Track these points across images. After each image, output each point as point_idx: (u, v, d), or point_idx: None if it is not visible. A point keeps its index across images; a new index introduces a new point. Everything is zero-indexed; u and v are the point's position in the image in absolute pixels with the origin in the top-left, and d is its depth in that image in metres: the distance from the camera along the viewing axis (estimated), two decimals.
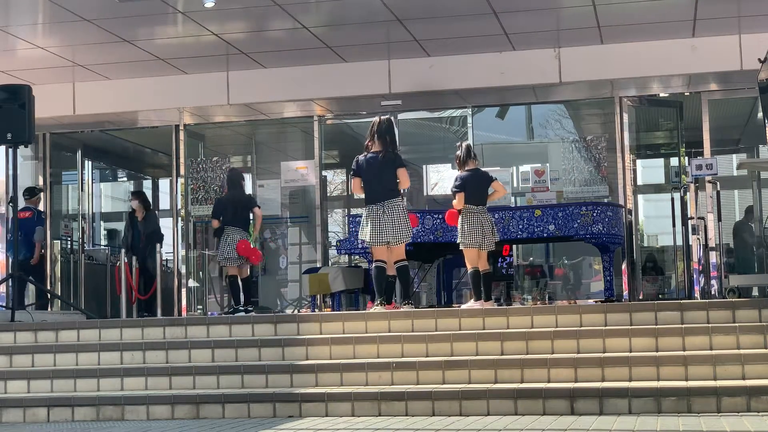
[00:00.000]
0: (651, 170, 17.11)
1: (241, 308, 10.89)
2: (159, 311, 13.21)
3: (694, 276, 12.49)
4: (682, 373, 7.03)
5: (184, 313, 13.55)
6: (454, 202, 9.62)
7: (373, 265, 9.25)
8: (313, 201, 14.04)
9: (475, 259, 9.62)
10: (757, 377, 6.89)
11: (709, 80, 12.62)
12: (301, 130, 14.58)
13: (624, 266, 12.54)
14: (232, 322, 8.59)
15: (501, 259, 12.57)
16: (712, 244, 12.21)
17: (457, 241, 9.67)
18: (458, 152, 9.87)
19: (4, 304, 12.17)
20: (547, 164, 13.66)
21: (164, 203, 17.15)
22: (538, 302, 12.85)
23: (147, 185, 18.43)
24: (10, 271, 10.61)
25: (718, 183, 11.88)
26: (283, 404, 7.10)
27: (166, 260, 14.53)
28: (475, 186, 9.65)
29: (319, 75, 12.92)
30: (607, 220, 10.89)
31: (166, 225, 15.10)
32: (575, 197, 12.88)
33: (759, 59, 9.19)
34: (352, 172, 9.36)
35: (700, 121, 12.88)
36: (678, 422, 6.06)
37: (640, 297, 12.75)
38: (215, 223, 11.38)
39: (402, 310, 8.89)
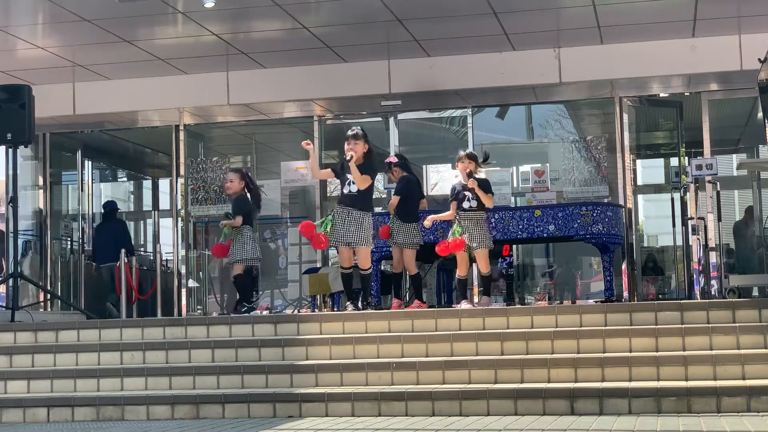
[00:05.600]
0: (651, 170, 17.11)
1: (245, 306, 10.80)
2: (159, 311, 13.22)
3: (694, 276, 12.49)
4: (682, 373, 7.03)
5: (184, 313, 13.55)
6: (491, 203, 9.60)
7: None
8: (313, 201, 14.04)
9: None
10: (757, 377, 6.89)
11: (709, 80, 12.62)
12: (301, 130, 14.57)
13: (624, 266, 12.53)
14: (232, 322, 8.60)
15: (501, 259, 12.56)
16: (712, 244, 12.22)
17: (492, 243, 9.73)
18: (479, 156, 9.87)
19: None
20: (547, 164, 13.65)
21: (164, 203, 17.15)
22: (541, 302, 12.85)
23: (147, 185, 18.44)
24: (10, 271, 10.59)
25: (718, 183, 11.88)
26: (283, 404, 7.10)
27: (166, 260, 14.54)
28: None
29: (319, 75, 12.91)
30: (607, 220, 10.88)
31: (166, 225, 15.11)
32: (575, 197, 12.88)
33: (759, 59, 9.20)
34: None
35: (700, 121, 12.88)
36: (678, 422, 6.06)
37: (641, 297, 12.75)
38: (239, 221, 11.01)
39: (404, 310, 8.91)
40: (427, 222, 10.02)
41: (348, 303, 9.40)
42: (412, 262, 10.13)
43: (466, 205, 9.56)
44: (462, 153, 9.76)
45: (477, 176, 9.55)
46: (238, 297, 10.77)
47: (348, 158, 9.23)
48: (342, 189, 9.45)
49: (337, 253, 9.73)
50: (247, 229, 10.52)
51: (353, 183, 9.28)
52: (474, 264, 10.08)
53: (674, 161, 13.37)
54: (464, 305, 9.40)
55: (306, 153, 9.69)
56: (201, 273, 14.61)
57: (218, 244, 10.63)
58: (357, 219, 9.27)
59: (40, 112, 11.05)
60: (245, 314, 10.21)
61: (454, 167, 10.24)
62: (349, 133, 9.43)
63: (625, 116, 12.95)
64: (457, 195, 9.68)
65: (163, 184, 17.59)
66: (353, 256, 9.45)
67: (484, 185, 9.54)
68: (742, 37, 11.93)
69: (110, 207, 15.09)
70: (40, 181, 14.62)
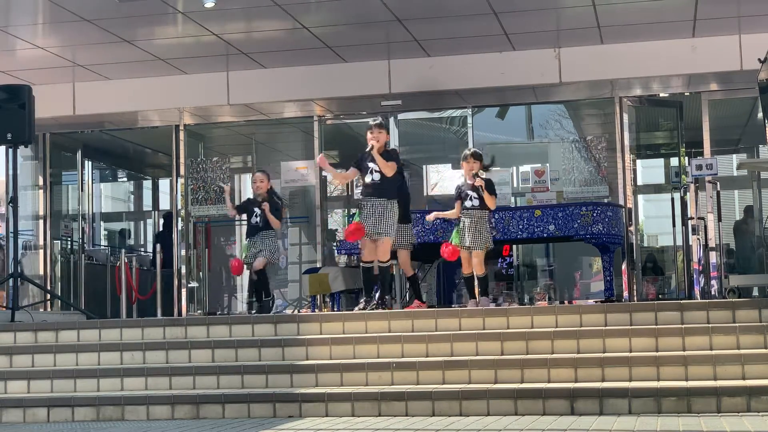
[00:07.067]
0: (651, 170, 17.11)
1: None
2: (159, 311, 13.23)
3: (694, 276, 12.49)
4: (682, 373, 7.03)
5: (184, 313, 13.55)
6: (494, 204, 9.54)
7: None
8: (313, 201, 14.04)
9: None
10: (757, 377, 6.89)
11: (709, 80, 12.62)
12: (301, 130, 14.58)
13: (624, 266, 12.53)
14: (232, 322, 8.60)
15: (501, 259, 12.57)
16: (712, 244, 12.22)
17: (491, 242, 9.68)
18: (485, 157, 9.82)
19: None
20: (547, 164, 13.65)
21: (164, 203, 17.17)
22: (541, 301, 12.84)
23: (147, 185, 18.45)
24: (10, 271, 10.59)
25: (718, 183, 11.88)
26: (283, 404, 7.10)
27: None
28: None
29: (319, 75, 12.92)
30: (607, 220, 10.89)
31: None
32: (575, 197, 12.88)
33: (759, 59, 9.20)
34: None
35: (700, 121, 12.88)
36: (678, 422, 6.06)
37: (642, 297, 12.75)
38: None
39: (404, 310, 8.90)
40: (430, 217, 10.01)
41: (362, 300, 9.25)
42: (407, 263, 10.08)
43: (468, 204, 9.53)
44: (467, 152, 9.72)
45: (482, 176, 9.53)
46: (256, 299, 10.67)
47: (369, 147, 9.16)
48: (364, 179, 9.32)
49: (360, 245, 9.52)
50: (275, 232, 10.65)
51: (376, 171, 9.18)
52: None
53: (674, 161, 13.38)
54: (470, 305, 9.39)
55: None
56: (201, 273, 14.61)
57: (239, 260, 10.60)
58: (384, 208, 9.17)
59: (40, 112, 11.05)
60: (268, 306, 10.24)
61: (458, 167, 10.20)
62: (372, 122, 9.34)
63: (625, 116, 12.95)
64: (461, 194, 9.65)
65: (163, 184, 17.60)
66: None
67: (488, 186, 9.51)
68: (742, 37, 11.93)
69: (170, 217, 15.19)
70: (40, 181, 14.62)
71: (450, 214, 9.79)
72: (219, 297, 15.80)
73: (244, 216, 10.81)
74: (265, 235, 10.51)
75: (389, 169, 9.17)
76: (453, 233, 9.64)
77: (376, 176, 9.19)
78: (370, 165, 9.21)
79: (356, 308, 9.16)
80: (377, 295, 9.39)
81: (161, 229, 15.52)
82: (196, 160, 14.32)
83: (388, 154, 9.31)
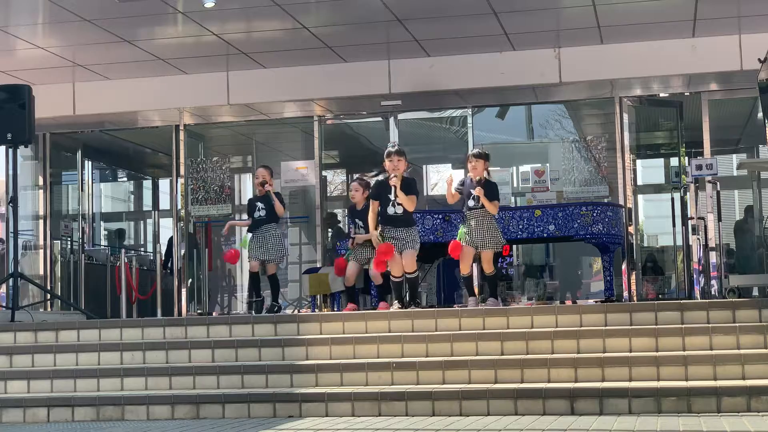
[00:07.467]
0: (651, 170, 17.12)
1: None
2: (159, 311, 13.23)
3: (694, 276, 12.49)
4: (682, 373, 7.03)
5: (184, 313, 13.55)
6: (495, 210, 9.43)
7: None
8: (313, 201, 14.04)
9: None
10: (757, 377, 6.89)
11: (709, 80, 12.62)
12: (301, 130, 14.58)
13: (624, 266, 12.53)
14: (232, 322, 8.60)
15: (501, 259, 12.56)
16: (712, 244, 12.22)
17: (500, 245, 9.58)
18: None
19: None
20: (547, 164, 13.65)
21: (164, 203, 17.17)
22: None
23: (147, 185, 18.45)
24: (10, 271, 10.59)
25: (718, 183, 11.89)
26: (283, 404, 7.10)
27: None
28: None
29: (319, 75, 12.92)
30: (607, 220, 10.88)
31: (165, 225, 15.12)
32: (575, 197, 12.88)
33: (759, 59, 9.21)
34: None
35: (700, 121, 12.88)
36: (678, 422, 6.06)
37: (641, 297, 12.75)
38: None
39: (404, 310, 8.90)
40: (448, 180, 9.81)
41: (396, 302, 9.27)
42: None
43: (470, 203, 9.42)
44: (469, 154, 9.64)
45: (487, 178, 9.44)
46: (258, 299, 10.65)
47: (393, 186, 9.09)
48: (385, 209, 9.24)
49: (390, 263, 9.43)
50: (278, 225, 10.62)
51: (397, 204, 9.17)
52: (476, 263, 10.01)
53: (674, 161, 13.37)
54: (471, 304, 9.37)
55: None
56: (200, 273, 14.61)
57: (236, 250, 10.59)
58: (407, 232, 9.22)
59: (40, 112, 11.05)
60: (273, 313, 10.22)
61: (457, 167, 10.13)
62: (392, 149, 9.31)
63: (625, 116, 12.94)
64: (462, 191, 9.54)
65: (163, 184, 17.60)
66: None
67: (491, 191, 9.42)
68: (742, 37, 11.93)
69: None
70: (40, 181, 14.62)
71: (449, 195, 9.58)
72: (219, 297, 15.80)
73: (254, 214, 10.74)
74: (267, 229, 10.49)
75: (411, 204, 9.16)
76: (459, 230, 9.55)
77: (399, 209, 9.19)
78: (390, 197, 9.19)
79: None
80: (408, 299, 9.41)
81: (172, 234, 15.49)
82: (196, 160, 14.32)
83: (408, 185, 9.22)
